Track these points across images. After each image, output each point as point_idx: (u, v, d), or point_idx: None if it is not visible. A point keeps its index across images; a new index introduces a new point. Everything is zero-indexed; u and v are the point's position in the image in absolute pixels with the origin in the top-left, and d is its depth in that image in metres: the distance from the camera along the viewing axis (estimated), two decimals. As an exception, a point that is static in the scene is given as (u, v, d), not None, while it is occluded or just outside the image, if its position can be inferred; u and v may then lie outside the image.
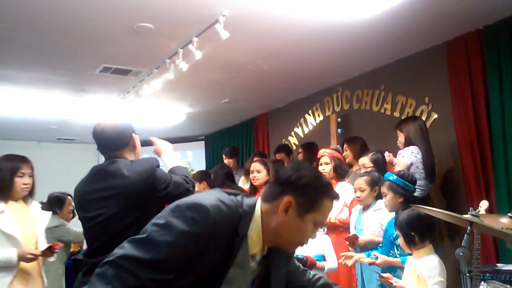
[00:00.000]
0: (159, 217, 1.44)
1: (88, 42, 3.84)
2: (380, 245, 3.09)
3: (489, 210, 2.97)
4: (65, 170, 6.75)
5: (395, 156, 3.80)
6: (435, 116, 4.13)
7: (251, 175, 4.25)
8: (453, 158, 3.96)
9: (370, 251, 3.06)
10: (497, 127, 3.56)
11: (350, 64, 4.66)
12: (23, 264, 2.85)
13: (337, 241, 3.44)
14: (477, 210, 2.28)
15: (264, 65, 4.54)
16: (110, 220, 2.21)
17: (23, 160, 3.01)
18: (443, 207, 3.81)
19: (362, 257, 3.01)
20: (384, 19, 3.47)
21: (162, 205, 2.20)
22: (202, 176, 4.63)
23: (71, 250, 4.47)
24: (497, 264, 3.14)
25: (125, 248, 1.38)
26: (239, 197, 1.51)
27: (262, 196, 1.52)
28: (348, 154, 4.26)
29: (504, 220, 2.40)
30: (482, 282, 2.15)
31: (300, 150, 4.85)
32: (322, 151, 4.05)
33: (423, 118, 4.09)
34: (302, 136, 5.92)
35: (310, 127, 5.76)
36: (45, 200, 4.16)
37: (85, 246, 3.02)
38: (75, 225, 3.68)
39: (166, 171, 2.42)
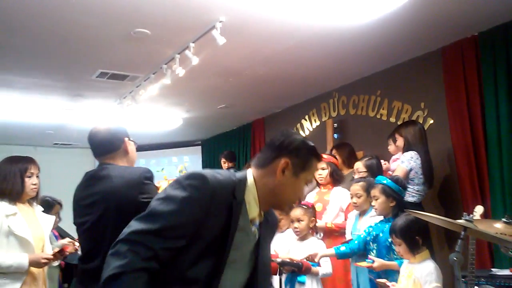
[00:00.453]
0: (159, 194, 1.52)
1: (85, 48, 3.85)
2: (354, 240, 3.13)
3: (484, 216, 2.98)
4: (62, 174, 6.74)
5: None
6: (431, 121, 4.15)
7: None
8: (449, 163, 3.97)
9: (339, 246, 3.16)
10: (492, 133, 3.58)
11: (346, 70, 4.68)
12: (31, 269, 2.74)
13: (332, 246, 3.45)
14: (471, 215, 2.29)
15: (261, 70, 4.56)
16: (94, 225, 2.20)
17: (31, 160, 2.92)
18: (440, 212, 3.82)
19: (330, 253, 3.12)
20: (380, 25, 3.49)
21: None
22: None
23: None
24: (492, 269, 3.14)
25: (132, 226, 1.45)
26: (231, 170, 1.66)
27: (255, 164, 1.64)
28: (337, 159, 4.28)
29: (498, 225, 2.41)
30: (476, 287, 2.15)
31: None
32: (318, 157, 4.05)
33: (419, 123, 4.11)
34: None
35: (307, 132, 5.78)
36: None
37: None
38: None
39: None
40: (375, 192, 3.01)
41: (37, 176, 2.89)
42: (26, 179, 2.81)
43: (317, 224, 3.49)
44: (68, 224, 4.25)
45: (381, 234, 2.95)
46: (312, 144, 1.71)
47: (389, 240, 2.80)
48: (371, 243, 3.04)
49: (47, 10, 3.15)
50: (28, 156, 2.95)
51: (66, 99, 5.27)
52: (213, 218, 1.48)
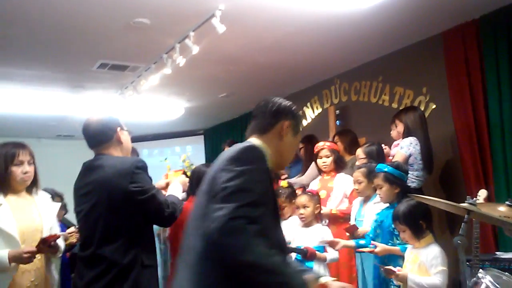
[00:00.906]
0: (226, 176, 1.50)
1: (85, 39, 3.84)
2: (368, 233, 3.11)
3: (488, 199, 2.98)
4: (65, 166, 6.75)
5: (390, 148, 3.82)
6: (433, 106, 4.14)
7: None
8: (452, 148, 3.97)
9: (359, 240, 3.10)
10: (495, 116, 3.57)
11: (347, 56, 4.66)
12: (27, 265, 2.46)
13: (337, 232, 3.46)
14: (475, 199, 2.29)
15: (261, 58, 4.54)
16: (89, 214, 2.26)
17: (19, 146, 2.61)
18: (441, 197, 3.82)
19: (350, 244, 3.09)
20: (381, 10, 3.46)
21: (141, 219, 2.23)
22: None
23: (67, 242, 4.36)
24: (496, 253, 3.16)
25: (227, 206, 1.43)
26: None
27: (256, 131, 1.77)
28: (339, 146, 4.28)
29: (502, 208, 2.41)
30: (481, 270, 2.16)
31: (301, 144, 4.86)
32: (321, 144, 4.06)
33: (422, 108, 4.10)
34: (300, 128, 5.91)
35: (309, 120, 5.77)
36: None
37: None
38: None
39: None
40: (378, 181, 3.00)
41: (31, 163, 2.62)
42: (14, 168, 2.53)
43: (321, 211, 3.50)
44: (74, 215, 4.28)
45: (385, 220, 2.96)
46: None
47: (393, 226, 2.81)
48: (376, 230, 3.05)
49: (45, 1, 3.13)
50: (19, 142, 2.66)
51: (68, 91, 5.27)
52: (270, 185, 1.62)
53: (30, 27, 3.54)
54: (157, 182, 2.66)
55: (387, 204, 3.02)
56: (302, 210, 3.30)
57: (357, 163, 3.71)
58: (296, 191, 3.73)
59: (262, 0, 3.26)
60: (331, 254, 3.19)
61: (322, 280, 1.77)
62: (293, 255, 3.07)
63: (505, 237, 3.16)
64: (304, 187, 4.07)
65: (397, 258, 2.82)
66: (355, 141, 4.40)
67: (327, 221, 3.70)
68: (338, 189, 3.83)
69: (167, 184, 2.67)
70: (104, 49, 4.10)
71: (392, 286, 2.80)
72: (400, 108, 4.24)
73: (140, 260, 2.20)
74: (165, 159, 7.96)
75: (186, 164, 5.79)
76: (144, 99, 5.54)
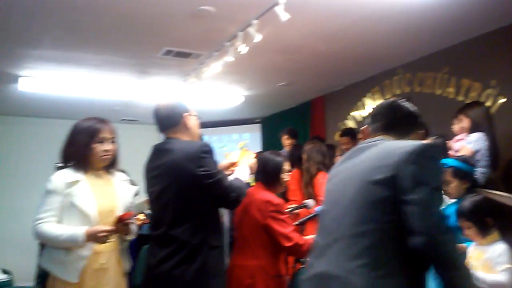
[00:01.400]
0: (424, 174, 1.58)
1: (152, 26, 3.96)
2: None
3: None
4: (128, 149, 7.03)
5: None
6: (503, 100, 3.95)
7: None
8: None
9: None
10: None
11: (412, 46, 4.53)
12: (101, 246, 2.37)
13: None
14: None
15: (323, 47, 4.51)
16: (160, 196, 2.36)
17: (103, 122, 2.54)
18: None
19: None
20: (451, -1, 3.34)
21: (207, 202, 2.30)
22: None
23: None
24: None
25: (438, 221, 1.56)
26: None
27: (394, 133, 1.87)
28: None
29: None
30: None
31: (361, 135, 4.78)
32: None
33: (490, 102, 3.94)
34: (360, 119, 5.84)
35: (369, 110, 5.67)
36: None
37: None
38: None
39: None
40: (446, 176, 2.90)
41: (113, 142, 2.53)
42: (96, 145, 2.45)
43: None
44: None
45: (451, 216, 2.88)
46: None
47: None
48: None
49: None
50: (102, 118, 2.58)
51: (134, 76, 5.46)
52: None
53: (100, 14, 3.69)
54: (222, 162, 2.71)
55: (453, 200, 2.93)
56: None
57: None
58: None
59: (327, -12, 3.24)
60: None
61: None
62: None
63: None
64: None
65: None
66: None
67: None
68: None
69: (231, 164, 2.72)
70: (170, 36, 4.21)
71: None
72: (467, 101, 4.09)
73: (208, 241, 2.28)
74: (224, 146, 8.13)
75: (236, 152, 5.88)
76: (206, 86, 5.66)
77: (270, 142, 7.87)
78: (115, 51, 4.61)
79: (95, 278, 2.35)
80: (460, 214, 2.61)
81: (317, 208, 3.52)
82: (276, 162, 2.97)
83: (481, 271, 2.43)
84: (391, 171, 1.57)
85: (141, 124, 8.08)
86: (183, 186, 2.27)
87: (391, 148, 1.67)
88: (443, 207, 2.98)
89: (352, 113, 5.98)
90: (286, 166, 3.01)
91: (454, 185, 2.86)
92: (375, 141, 1.80)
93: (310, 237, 2.69)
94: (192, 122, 2.53)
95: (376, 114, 1.93)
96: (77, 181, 2.40)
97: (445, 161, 2.99)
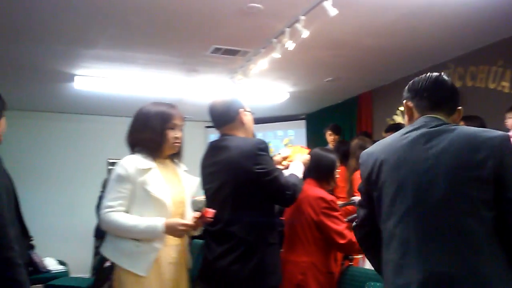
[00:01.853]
0: None
1: (201, 24, 4.05)
2: None
3: None
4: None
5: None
6: (562, 93, 3.79)
7: None
8: None
9: None
10: None
11: (464, 39, 4.41)
12: (170, 240, 2.27)
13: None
14: None
15: (370, 42, 4.46)
16: (217, 193, 2.39)
17: (174, 107, 2.42)
18: None
19: None
20: (506, -11, 3.24)
21: (264, 199, 2.31)
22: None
23: None
24: None
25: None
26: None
27: (444, 112, 1.81)
28: None
29: None
30: None
31: (405, 109, 4.68)
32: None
33: (548, 95, 3.78)
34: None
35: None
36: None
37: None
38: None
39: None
40: None
41: (182, 130, 2.44)
42: (169, 131, 2.35)
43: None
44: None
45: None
46: None
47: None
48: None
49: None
50: (171, 103, 2.48)
51: (183, 74, 5.60)
52: None
53: (150, 14, 3.81)
54: (274, 157, 2.73)
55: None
56: None
57: None
58: None
59: (376, -18, 3.21)
60: None
61: None
62: None
63: None
64: None
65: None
66: (484, 127, 4.10)
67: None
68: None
69: (283, 159, 2.74)
70: (218, 34, 4.29)
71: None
72: (523, 95, 3.95)
73: (265, 238, 2.30)
74: (269, 142, 8.16)
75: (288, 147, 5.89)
76: (252, 83, 5.72)
77: (315, 138, 7.84)
78: (166, 50, 4.74)
79: (166, 272, 2.26)
80: None
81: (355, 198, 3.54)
82: (331, 159, 2.95)
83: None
84: (491, 167, 1.48)
85: (189, 121, 8.21)
86: (240, 183, 2.29)
87: (477, 139, 1.54)
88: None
89: (401, 108, 5.88)
90: (338, 163, 3.01)
91: None
92: (442, 124, 1.69)
93: None
94: (247, 118, 2.54)
95: (419, 89, 1.83)
96: (149, 169, 2.27)
97: None
